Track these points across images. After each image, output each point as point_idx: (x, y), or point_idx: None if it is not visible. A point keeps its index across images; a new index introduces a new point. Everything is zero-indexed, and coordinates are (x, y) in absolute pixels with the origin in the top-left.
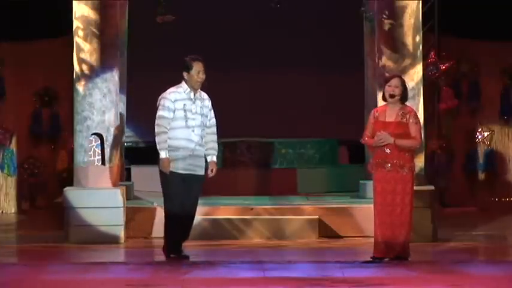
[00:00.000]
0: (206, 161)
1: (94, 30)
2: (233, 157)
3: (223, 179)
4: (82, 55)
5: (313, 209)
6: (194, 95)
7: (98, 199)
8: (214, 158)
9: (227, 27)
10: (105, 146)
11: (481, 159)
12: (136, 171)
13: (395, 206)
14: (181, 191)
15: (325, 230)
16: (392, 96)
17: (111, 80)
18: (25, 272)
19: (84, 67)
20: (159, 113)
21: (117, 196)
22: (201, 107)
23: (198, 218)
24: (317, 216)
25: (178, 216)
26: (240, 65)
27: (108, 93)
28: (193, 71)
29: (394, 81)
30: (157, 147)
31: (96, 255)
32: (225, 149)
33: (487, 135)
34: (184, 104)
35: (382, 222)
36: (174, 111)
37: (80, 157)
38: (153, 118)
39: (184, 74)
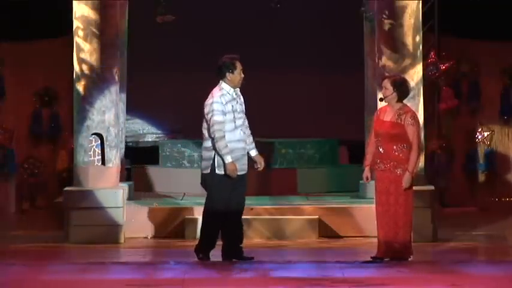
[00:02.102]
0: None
1: (94, 30)
2: None
3: None
4: (82, 55)
5: (313, 209)
6: (236, 94)
7: (98, 199)
8: (257, 152)
9: (227, 27)
10: (105, 146)
11: (481, 159)
12: (136, 171)
13: (390, 206)
14: (230, 193)
15: (325, 230)
16: (381, 98)
17: (111, 80)
18: (25, 272)
19: (84, 67)
20: (214, 118)
21: (117, 196)
22: (240, 105)
23: (198, 218)
24: (317, 216)
25: (223, 217)
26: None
27: (108, 93)
28: (237, 71)
29: (383, 83)
30: (221, 152)
31: (96, 255)
32: None
33: (487, 135)
34: (232, 106)
35: (381, 222)
36: (226, 114)
37: (80, 157)
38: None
39: (228, 75)
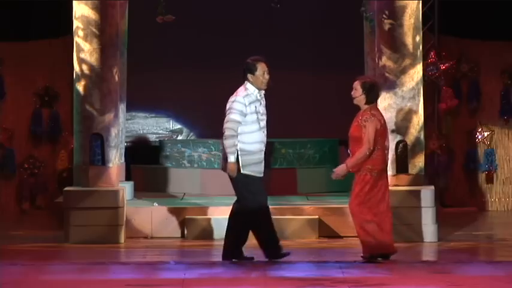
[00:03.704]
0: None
1: (94, 30)
2: None
3: (223, 179)
4: (82, 55)
5: (313, 209)
6: (260, 95)
7: (98, 199)
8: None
9: (227, 27)
10: (105, 146)
11: (481, 159)
12: (136, 171)
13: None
14: (263, 193)
15: (325, 230)
16: (352, 98)
17: (111, 80)
18: (25, 272)
19: (84, 67)
20: (231, 116)
21: (117, 196)
22: (263, 107)
23: (198, 218)
24: (317, 216)
25: (255, 218)
26: (241, 64)
27: (108, 93)
28: (258, 73)
29: (354, 84)
30: (226, 150)
31: (96, 255)
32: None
33: (487, 135)
34: (256, 107)
35: (361, 221)
36: (245, 115)
37: (80, 157)
38: (153, 118)
39: (249, 76)
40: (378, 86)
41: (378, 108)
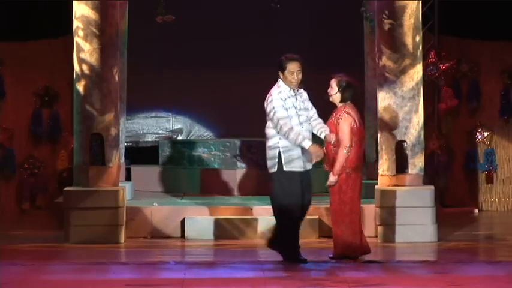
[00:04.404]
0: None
1: (94, 30)
2: (233, 157)
3: (223, 179)
4: (82, 55)
5: (313, 209)
6: (293, 91)
7: (98, 199)
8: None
9: (227, 27)
10: (105, 146)
11: (481, 159)
12: (136, 171)
13: (339, 205)
14: (301, 190)
15: (325, 230)
16: (328, 96)
17: (111, 80)
18: (25, 272)
19: (84, 67)
20: (277, 115)
21: (117, 196)
22: (302, 102)
23: (198, 218)
24: (317, 216)
25: (296, 216)
26: (240, 64)
27: (108, 93)
28: (287, 71)
29: (331, 81)
30: (297, 142)
31: (96, 255)
32: (226, 149)
33: (487, 135)
34: (292, 102)
35: (336, 220)
36: (287, 109)
37: (79, 157)
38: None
39: (280, 74)
40: (354, 86)
41: (353, 107)
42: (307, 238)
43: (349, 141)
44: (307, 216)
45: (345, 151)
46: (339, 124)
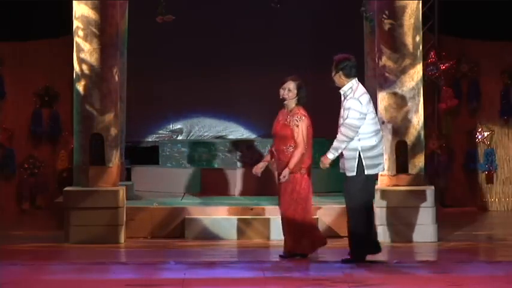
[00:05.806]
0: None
1: (94, 30)
2: (233, 157)
3: (224, 179)
4: (82, 55)
5: (313, 209)
6: (342, 93)
7: (98, 199)
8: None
9: (227, 27)
10: (105, 146)
11: (481, 159)
12: (136, 171)
13: (290, 205)
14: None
15: (325, 230)
16: (283, 99)
17: (111, 80)
18: (25, 272)
19: (84, 67)
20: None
21: (117, 196)
22: (343, 105)
23: (198, 218)
24: (317, 216)
25: (371, 216)
26: (240, 64)
27: (108, 93)
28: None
29: (287, 85)
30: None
31: (96, 255)
32: (226, 149)
33: (487, 135)
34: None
35: (286, 219)
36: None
37: (80, 157)
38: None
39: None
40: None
41: (304, 108)
42: None
43: (306, 142)
44: None
45: (304, 151)
46: (297, 126)
